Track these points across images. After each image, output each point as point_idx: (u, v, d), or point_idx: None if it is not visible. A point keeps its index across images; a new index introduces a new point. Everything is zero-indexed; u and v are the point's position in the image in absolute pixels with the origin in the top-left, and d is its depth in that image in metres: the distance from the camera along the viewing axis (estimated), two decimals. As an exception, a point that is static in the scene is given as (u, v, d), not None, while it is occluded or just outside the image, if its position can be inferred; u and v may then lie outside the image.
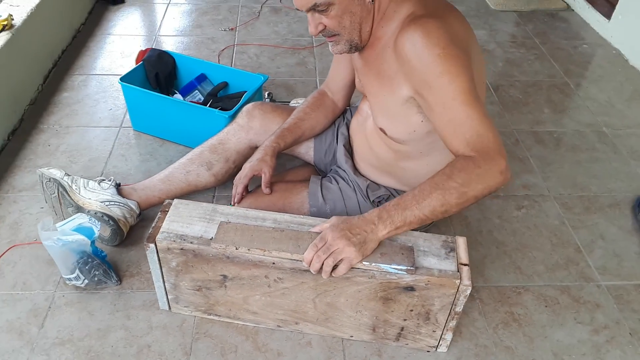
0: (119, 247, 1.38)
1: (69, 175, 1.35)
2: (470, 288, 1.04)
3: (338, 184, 1.36)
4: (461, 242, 1.11)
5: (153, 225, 1.12)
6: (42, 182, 1.35)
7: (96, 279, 1.26)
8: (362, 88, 1.28)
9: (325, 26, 1.08)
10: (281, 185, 1.37)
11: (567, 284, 1.37)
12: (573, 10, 2.75)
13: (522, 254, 1.45)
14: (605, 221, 1.56)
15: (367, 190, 1.33)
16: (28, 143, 1.71)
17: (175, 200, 1.17)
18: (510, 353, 1.21)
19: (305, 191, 1.35)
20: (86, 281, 1.25)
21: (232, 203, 1.33)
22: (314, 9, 1.05)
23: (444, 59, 0.98)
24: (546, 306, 1.31)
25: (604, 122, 1.96)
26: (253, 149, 1.39)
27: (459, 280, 1.04)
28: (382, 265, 1.04)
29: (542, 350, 1.22)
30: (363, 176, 1.36)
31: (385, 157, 1.28)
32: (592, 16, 2.61)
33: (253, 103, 1.47)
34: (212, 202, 1.52)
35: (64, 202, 1.32)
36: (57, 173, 1.34)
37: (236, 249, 1.06)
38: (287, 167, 1.57)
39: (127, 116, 1.83)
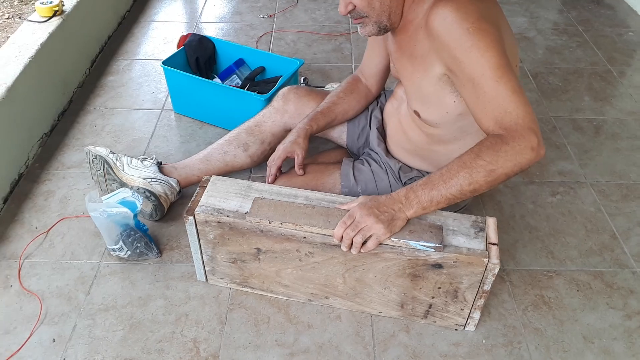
0: (160, 222, 1.45)
1: (113, 153, 1.42)
2: (498, 267, 1.05)
3: (370, 165, 1.38)
4: (491, 222, 1.12)
5: (192, 199, 1.17)
6: (89, 159, 1.43)
7: (138, 250, 1.33)
8: (396, 73, 1.29)
9: (355, 6, 1.10)
10: (314, 166, 1.41)
11: (601, 270, 1.36)
12: (619, -4, 2.67)
13: (555, 239, 1.44)
14: (643, 209, 1.53)
15: (399, 172, 1.35)
16: (76, 123, 1.81)
17: (213, 177, 1.22)
18: (539, 334, 1.22)
19: (337, 172, 1.38)
20: (129, 252, 1.32)
21: (266, 183, 1.37)
22: None
23: (473, 33, 0.98)
24: (578, 290, 1.31)
25: (647, 110, 1.91)
26: (288, 131, 1.43)
27: (487, 259, 1.05)
28: (411, 242, 1.06)
29: (572, 333, 1.22)
30: (395, 159, 1.38)
31: (418, 141, 1.29)
32: (639, 4, 2.53)
33: (288, 87, 1.51)
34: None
35: (109, 178, 1.40)
36: (103, 151, 1.41)
37: (269, 222, 1.10)
38: (320, 149, 1.61)
39: (169, 99, 1.90)
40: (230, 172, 1.48)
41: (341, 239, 1.07)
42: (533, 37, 2.36)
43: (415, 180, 1.34)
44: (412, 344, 1.19)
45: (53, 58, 1.77)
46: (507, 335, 1.21)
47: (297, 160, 1.34)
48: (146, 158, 1.43)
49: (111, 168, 1.39)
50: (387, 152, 1.40)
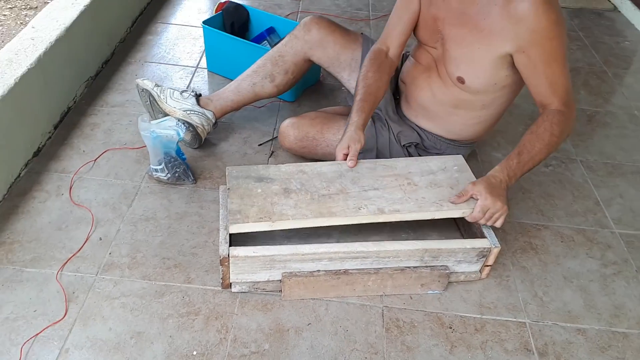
0: (196, 156, 1.62)
1: (159, 85, 1.59)
2: None
3: (374, 122, 1.52)
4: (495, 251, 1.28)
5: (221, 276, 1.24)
6: (138, 91, 1.60)
7: (177, 175, 1.49)
8: (430, 39, 1.39)
9: None
10: (321, 113, 1.58)
11: (584, 228, 1.53)
12: (619, 11, 2.88)
13: (545, 201, 1.62)
14: (626, 184, 1.71)
15: (398, 135, 1.51)
16: (118, 72, 1.98)
17: (232, 257, 1.18)
18: (525, 272, 1.39)
19: (342, 121, 1.52)
20: (169, 175, 1.49)
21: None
22: None
23: (557, 24, 1.18)
24: (562, 241, 1.48)
25: (636, 107, 2.10)
26: (307, 61, 1.59)
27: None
28: (421, 293, 1.30)
29: (554, 273, 1.39)
30: (404, 119, 1.53)
31: (445, 103, 1.43)
32: (637, 17, 2.74)
33: (311, 17, 1.60)
34: (267, 163, 1.72)
35: (154, 108, 1.57)
36: (149, 84, 1.58)
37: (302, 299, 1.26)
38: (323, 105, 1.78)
39: (203, 59, 2.07)
40: (258, 100, 1.67)
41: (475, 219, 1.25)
42: (538, 38, 2.55)
43: (412, 144, 1.50)
44: (414, 269, 1.35)
45: (102, 11, 1.94)
46: (497, 269, 1.38)
47: (351, 151, 1.33)
48: (186, 90, 1.60)
49: (155, 101, 1.56)
50: (394, 112, 1.54)
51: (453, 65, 1.35)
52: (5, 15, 2.43)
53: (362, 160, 1.36)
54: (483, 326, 1.24)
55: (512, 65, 1.28)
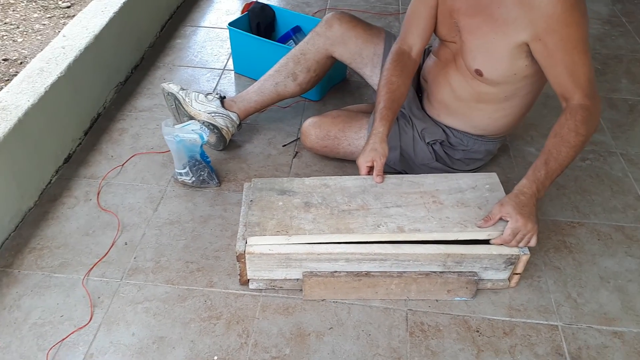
0: (221, 159, 1.63)
1: (184, 89, 1.61)
2: None
3: (398, 120, 1.48)
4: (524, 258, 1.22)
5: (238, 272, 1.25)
6: (164, 95, 1.62)
7: (201, 178, 1.50)
8: (448, 34, 1.35)
9: None
10: (344, 112, 1.56)
11: (623, 224, 1.45)
12: (666, -8, 2.71)
13: (581, 197, 1.54)
14: (670, 177, 1.61)
15: (422, 132, 1.47)
16: (147, 76, 2.01)
17: (247, 255, 1.19)
18: (557, 272, 1.32)
19: (365, 119, 1.50)
20: (193, 179, 1.50)
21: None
22: None
23: (575, 9, 1.11)
24: (599, 239, 1.41)
25: (683, 94, 1.98)
26: (330, 58, 1.57)
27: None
28: (447, 299, 1.25)
29: (589, 273, 1.32)
30: (428, 116, 1.49)
31: (466, 98, 1.38)
32: (686, -2, 2.58)
33: (332, 13, 1.58)
34: (291, 163, 1.71)
35: (180, 112, 1.59)
36: (174, 88, 1.60)
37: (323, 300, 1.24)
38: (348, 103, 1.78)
39: (230, 61, 2.08)
40: (282, 100, 1.66)
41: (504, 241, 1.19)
42: (576, 25, 2.44)
43: (437, 142, 1.45)
44: (440, 270, 1.31)
45: (131, 17, 1.98)
46: (528, 270, 1.32)
47: (376, 166, 1.31)
48: (210, 93, 1.61)
49: (181, 104, 1.58)
50: (418, 108, 1.50)
51: (470, 57, 1.30)
52: (44, 24, 2.51)
53: (388, 176, 1.33)
54: (512, 329, 1.20)
55: (531, 55, 1.22)
